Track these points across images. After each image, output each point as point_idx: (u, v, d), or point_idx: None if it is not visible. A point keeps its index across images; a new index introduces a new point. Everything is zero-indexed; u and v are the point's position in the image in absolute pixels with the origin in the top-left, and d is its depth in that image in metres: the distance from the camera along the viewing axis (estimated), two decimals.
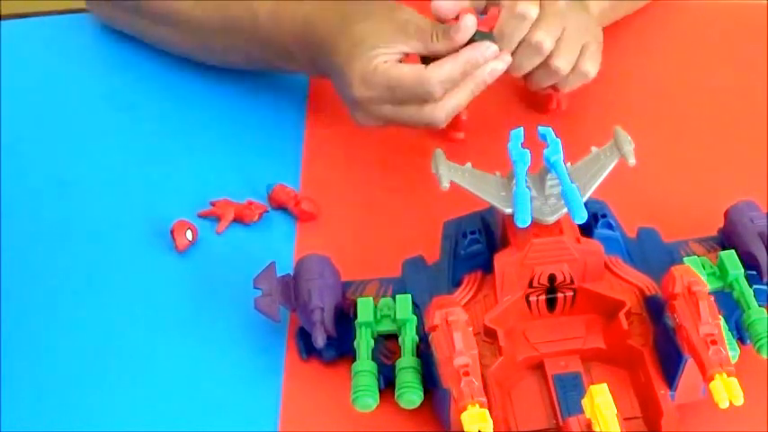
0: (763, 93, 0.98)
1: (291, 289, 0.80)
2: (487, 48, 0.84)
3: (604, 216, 0.80)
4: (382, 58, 0.84)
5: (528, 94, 0.96)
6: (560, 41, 0.87)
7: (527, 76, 0.89)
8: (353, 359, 0.76)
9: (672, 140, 0.95)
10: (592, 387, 0.67)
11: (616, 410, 0.66)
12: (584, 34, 0.89)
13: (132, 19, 1.02)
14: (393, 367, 0.76)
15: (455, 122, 0.94)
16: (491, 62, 0.85)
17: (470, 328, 0.70)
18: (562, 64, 0.87)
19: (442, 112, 0.85)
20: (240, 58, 0.97)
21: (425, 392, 0.74)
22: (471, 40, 0.85)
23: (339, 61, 0.86)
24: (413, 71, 0.84)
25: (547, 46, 0.86)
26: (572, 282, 0.76)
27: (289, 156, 0.96)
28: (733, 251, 0.79)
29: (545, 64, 0.87)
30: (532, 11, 0.85)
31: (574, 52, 0.88)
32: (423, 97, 0.84)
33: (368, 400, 0.73)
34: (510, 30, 0.85)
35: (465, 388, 0.67)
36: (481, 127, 0.95)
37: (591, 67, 0.89)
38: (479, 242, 0.79)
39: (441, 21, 0.86)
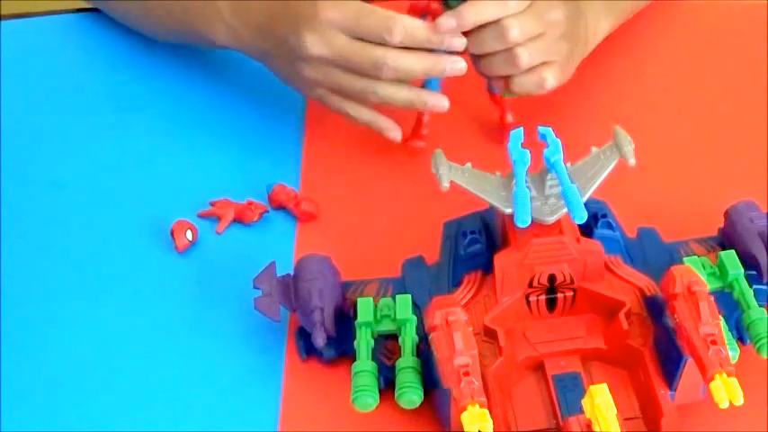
0: (763, 93, 0.98)
1: (291, 289, 0.80)
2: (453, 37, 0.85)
3: (604, 216, 0.80)
4: None
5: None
6: (532, 39, 0.86)
7: (483, 58, 0.88)
8: (353, 359, 0.76)
9: (672, 141, 0.95)
10: (592, 387, 0.67)
11: (616, 410, 0.66)
12: (557, 51, 0.88)
13: None
14: (393, 367, 0.76)
15: (416, 132, 0.94)
16: (451, 46, 0.85)
17: (470, 328, 0.70)
18: (524, 55, 0.86)
19: (393, 62, 0.84)
20: (161, 18, 0.99)
21: (425, 392, 0.74)
22: (448, 7, 0.86)
23: (304, 6, 0.86)
24: (386, 10, 0.84)
25: (513, 34, 0.85)
26: (572, 282, 0.76)
27: (289, 156, 0.96)
28: (733, 251, 0.79)
29: (507, 49, 0.86)
30: (512, 4, 0.85)
31: (540, 55, 0.87)
32: (381, 38, 0.84)
33: (368, 400, 0.73)
34: (489, 7, 0.85)
35: (465, 388, 0.67)
36: (478, 130, 0.95)
37: (550, 76, 0.88)
38: (479, 242, 0.79)
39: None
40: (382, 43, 0.84)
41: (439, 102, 0.88)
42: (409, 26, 0.84)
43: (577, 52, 0.92)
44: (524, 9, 0.86)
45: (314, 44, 0.86)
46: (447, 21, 0.85)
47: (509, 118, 0.95)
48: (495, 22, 0.85)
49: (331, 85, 0.88)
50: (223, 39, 0.95)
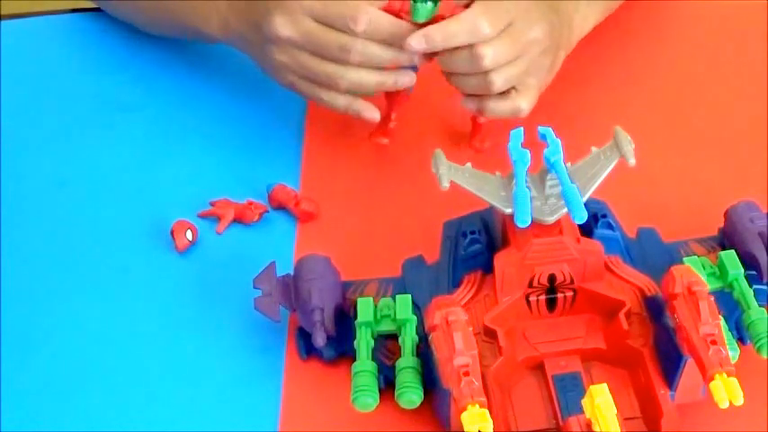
0: (763, 93, 0.98)
1: (291, 289, 0.80)
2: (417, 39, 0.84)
3: (604, 216, 0.80)
4: None
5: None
6: (509, 63, 0.86)
7: (454, 75, 0.88)
8: (353, 359, 0.76)
9: (671, 140, 0.95)
10: (592, 387, 0.67)
11: (616, 410, 0.66)
12: (536, 69, 0.88)
13: None
14: (393, 367, 0.76)
15: (382, 128, 0.94)
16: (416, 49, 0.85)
17: (470, 328, 0.70)
18: (498, 81, 0.86)
19: (362, 46, 0.85)
20: (155, 7, 0.99)
21: (425, 392, 0.74)
22: (413, 3, 0.85)
23: None
24: (356, 1, 0.84)
25: (486, 63, 0.85)
26: (572, 282, 0.76)
27: (289, 156, 0.96)
28: (733, 251, 0.79)
29: (482, 73, 0.86)
30: (485, 29, 0.84)
31: (517, 77, 0.87)
32: (346, 26, 0.84)
33: (368, 399, 0.74)
34: (460, 34, 0.84)
35: (465, 388, 0.67)
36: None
37: (525, 104, 0.88)
38: (479, 242, 0.79)
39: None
40: (347, 31, 0.85)
41: (407, 77, 0.88)
42: (375, 18, 0.84)
43: (558, 60, 0.91)
44: (502, 31, 0.85)
45: (282, 25, 0.86)
46: (416, 41, 0.84)
47: (481, 120, 0.93)
48: (468, 48, 0.85)
49: (300, 70, 0.88)
50: (215, 28, 0.95)
